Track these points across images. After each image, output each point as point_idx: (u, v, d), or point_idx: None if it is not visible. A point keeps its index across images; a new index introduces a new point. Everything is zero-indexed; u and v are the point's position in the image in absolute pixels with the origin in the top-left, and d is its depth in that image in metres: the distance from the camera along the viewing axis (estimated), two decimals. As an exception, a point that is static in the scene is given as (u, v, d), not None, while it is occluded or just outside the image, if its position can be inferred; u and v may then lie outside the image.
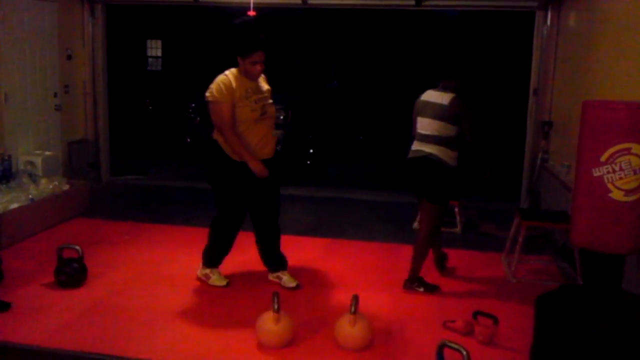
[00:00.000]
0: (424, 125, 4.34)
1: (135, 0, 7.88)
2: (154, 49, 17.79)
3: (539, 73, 6.66)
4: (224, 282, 4.48)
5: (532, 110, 6.78)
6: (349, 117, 10.17)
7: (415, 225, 6.12)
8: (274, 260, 4.57)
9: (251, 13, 4.20)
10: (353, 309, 3.57)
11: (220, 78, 4.13)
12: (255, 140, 4.17)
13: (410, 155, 4.42)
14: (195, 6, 7.53)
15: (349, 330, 3.57)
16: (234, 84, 4.09)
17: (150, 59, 17.88)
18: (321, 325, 3.86)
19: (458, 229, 6.01)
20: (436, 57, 7.46)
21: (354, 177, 8.96)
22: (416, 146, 4.40)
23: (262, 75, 4.30)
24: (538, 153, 6.54)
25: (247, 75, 4.15)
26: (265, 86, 4.30)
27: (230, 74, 4.15)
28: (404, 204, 6.83)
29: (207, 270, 4.53)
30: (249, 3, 4.17)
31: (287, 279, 4.50)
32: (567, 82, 6.25)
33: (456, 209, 6.04)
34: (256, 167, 4.11)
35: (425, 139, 4.33)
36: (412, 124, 4.52)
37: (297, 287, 4.43)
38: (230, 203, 4.36)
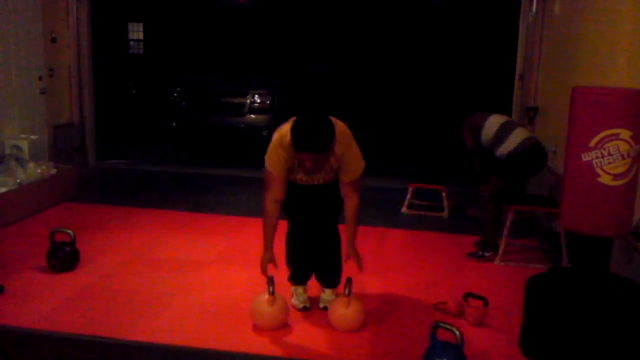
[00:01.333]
0: None
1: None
2: (136, 32, 17.63)
3: (524, 59, 6.72)
4: (300, 305, 3.91)
5: (517, 96, 6.86)
6: (336, 101, 10.18)
7: (404, 209, 6.20)
8: (323, 274, 4.03)
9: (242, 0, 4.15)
10: (347, 291, 3.63)
11: (275, 140, 3.49)
12: (295, 198, 3.68)
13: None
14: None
15: (343, 312, 3.63)
16: (285, 155, 3.47)
17: (132, 42, 17.71)
18: (315, 308, 3.91)
19: (445, 213, 6.09)
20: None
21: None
22: None
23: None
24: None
25: None
26: (329, 163, 3.52)
27: (285, 139, 3.43)
28: (392, 189, 6.91)
29: (292, 288, 4.03)
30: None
31: (324, 296, 3.98)
32: (552, 67, 6.34)
33: (443, 194, 6.12)
34: (261, 261, 3.61)
35: None
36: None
37: (325, 309, 3.87)
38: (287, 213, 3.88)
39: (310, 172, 3.54)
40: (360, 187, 3.66)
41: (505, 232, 4.81)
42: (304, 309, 3.90)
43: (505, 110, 7.20)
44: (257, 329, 3.63)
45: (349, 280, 3.67)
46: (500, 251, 4.81)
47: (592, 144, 3.07)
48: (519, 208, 4.89)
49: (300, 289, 3.97)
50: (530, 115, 6.64)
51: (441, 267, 4.76)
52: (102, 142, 8.37)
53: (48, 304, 3.87)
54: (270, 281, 3.63)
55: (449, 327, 3.11)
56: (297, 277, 3.97)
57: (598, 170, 3.08)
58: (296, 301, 3.93)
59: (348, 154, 3.51)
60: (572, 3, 5.87)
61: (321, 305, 3.92)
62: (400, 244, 5.30)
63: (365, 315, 3.71)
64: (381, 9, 13.91)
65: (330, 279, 3.96)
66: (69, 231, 4.42)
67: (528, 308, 3.41)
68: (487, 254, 4.84)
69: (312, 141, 3.29)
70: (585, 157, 3.10)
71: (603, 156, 3.06)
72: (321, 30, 13.43)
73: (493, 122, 4.96)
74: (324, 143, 3.31)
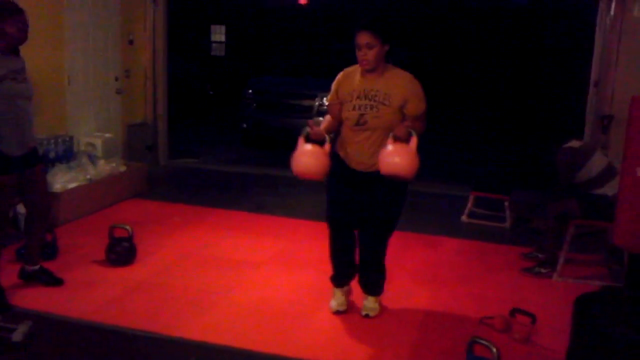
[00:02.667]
0: None
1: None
2: (218, 34, 18.13)
3: (600, 64, 6.41)
4: (334, 308, 3.91)
5: (591, 103, 6.55)
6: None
7: (464, 218, 6.06)
8: (363, 280, 3.95)
9: (302, 1, 4.17)
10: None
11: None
12: (349, 148, 3.63)
13: None
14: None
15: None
16: (341, 81, 3.63)
17: (213, 44, 18.23)
18: (355, 315, 3.89)
19: (507, 224, 5.90)
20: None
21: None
22: None
23: (397, 73, 3.53)
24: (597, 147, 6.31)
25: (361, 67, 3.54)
26: (388, 97, 3.48)
27: (349, 69, 3.65)
28: (452, 196, 6.77)
29: (333, 289, 4.01)
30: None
31: (367, 304, 3.91)
32: (631, 74, 6.02)
33: (506, 204, 5.92)
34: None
35: None
36: None
37: (367, 316, 3.86)
38: (327, 211, 3.88)
39: (366, 96, 3.48)
40: (422, 128, 3.57)
41: (565, 246, 4.60)
42: (337, 312, 3.87)
43: (579, 117, 6.92)
44: (306, 331, 3.66)
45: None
46: (559, 267, 4.61)
47: (648, 158, 2.89)
48: (580, 222, 4.66)
49: (339, 292, 3.94)
50: (604, 123, 6.32)
51: (496, 280, 4.62)
52: (176, 141, 8.67)
53: (102, 296, 4.04)
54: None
55: (486, 342, 3.01)
56: (337, 279, 3.94)
57: (654, 186, 2.90)
58: (333, 303, 3.93)
59: (410, 90, 3.51)
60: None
61: (363, 313, 3.88)
62: (456, 254, 5.18)
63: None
64: (453, 10, 13.65)
65: (371, 285, 3.90)
66: (127, 227, 4.60)
67: (575, 328, 3.25)
68: (543, 271, 4.64)
69: (366, 17, 3.46)
70: (640, 172, 2.93)
71: (660, 171, 2.87)
72: (393, 32, 13.33)
73: (598, 163, 4.70)
74: (375, 21, 3.44)
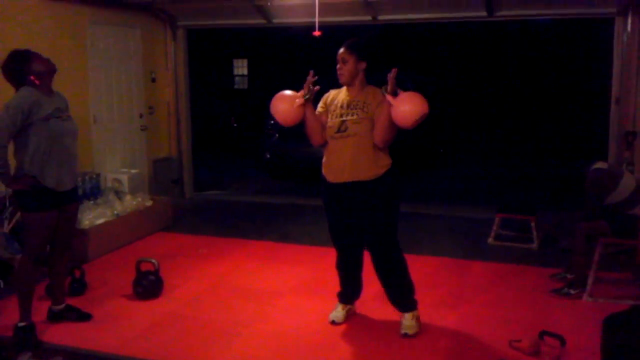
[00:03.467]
0: None
1: (212, 25, 8.18)
2: (240, 67, 18.44)
3: (620, 81, 6.37)
4: (330, 319, 4.12)
5: (614, 120, 6.49)
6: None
7: (491, 240, 6.01)
8: (390, 298, 4.05)
9: (316, 33, 4.27)
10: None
11: None
12: (331, 157, 3.84)
13: None
14: (272, 27, 7.73)
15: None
16: (331, 95, 3.96)
17: (237, 78, 18.53)
18: (379, 342, 3.87)
19: (535, 245, 5.83)
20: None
21: (430, 190, 8.87)
22: None
23: (370, 89, 3.84)
24: (622, 164, 6.24)
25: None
26: (367, 106, 3.78)
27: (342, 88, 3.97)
28: (478, 219, 6.72)
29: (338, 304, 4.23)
30: (315, 23, 4.24)
31: (404, 322, 3.96)
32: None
33: (532, 224, 5.86)
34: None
35: None
36: None
37: (406, 335, 3.91)
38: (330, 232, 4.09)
39: (349, 106, 3.76)
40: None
41: (593, 266, 4.52)
42: (332, 322, 4.09)
43: (603, 135, 6.86)
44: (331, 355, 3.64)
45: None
46: (589, 287, 4.53)
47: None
48: (609, 241, 4.59)
49: (340, 306, 4.17)
50: (629, 140, 6.25)
51: (524, 302, 4.55)
52: (202, 174, 8.78)
53: (130, 330, 4.08)
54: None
55: (513, 366, 2.97)
56: (342, 295, 4.18)
57: (677, 201, 2.85)
58: (331, 314, 4.14)
59: (380, 109, 3.73)
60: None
61: (402, 332, 3.91)
62: (483, 277, 5.12)
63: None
64: (472, 31, 13.66)
65: (400, 300, 3.99)
66: (154, 260, 4.66)
67: (605, 349, 3.19)
68: (572, 292, 4.56)
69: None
70: (663, 187, 2.88)
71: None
72: (410, 55, 13.38)
73: (627, 185, 4.64)
74: (352, 41, 3.83)
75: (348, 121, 3.76)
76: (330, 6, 6.36)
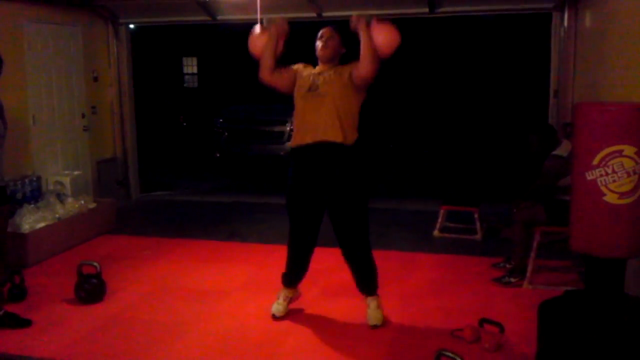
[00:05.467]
0: None
1: (155, 22, 8.06)
2: (190, 65, 18.20)
3: (558, 74, 6.54)
4: (272, 312, 4.13)
5: (553, 113, 6.67)
6: (369, 122, 10.20)
7: (436, 233, 6.10)
8: (357, 282, 4.11)
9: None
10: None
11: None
12: (300, 118, 3.86)
13: None
14: (216, 24, 7.66)
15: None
16: (300, 67, 4.01)
17: (186, 76, 18.29)
18: (322, 336, 3.89)
19: (479, 236, 5.95)
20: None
21: (377, 184, 8.94)
22: None
23: (343, 66, 3.89)
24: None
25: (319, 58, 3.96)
26: (340, 71, 3.85)
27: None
28: (424, 212, 6.82)
29: (279, 291, 4.23)
30: (259, 20, 4.21)
31: (370, 313, 4.02)
32: (588, 82, 6.13)
33: (476, 216, 5.98)
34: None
35: None
36: None
37: (375, 327, 3.96)
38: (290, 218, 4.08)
39: (320, 72, 3.86)
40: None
41: (532, 254, 4.65)
42: (273, 316, 4.09)
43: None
44: (270, 358, 3.63)
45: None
46: (528, 274, 4.65)
47: (595, 162, 2.95)
48: (545, 229, 4.72)
49: (283, 294, 4.16)
50: (567, 131, 6.41)
51: (468, 292, 4.64)
52: (149, 174, 8.64)
53: (72, 335, 3.99)
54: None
55: (451, 355, 3.02)
56: (286, 277, 4.16)
57: (603, 189, 2.95)
58: (274, 306, 4.14)
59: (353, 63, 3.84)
60: (602, 14, 5.68)
61: (370, 324, 3.96)
62: (429, 269, 5.20)
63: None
64: (416, 27, 13.78)
65: (367, 282, 4.04)
66: (95, 263, 4.56)
67: (542, 333, 3.28)
68: (512, 280, 4.68)
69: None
70: (590, 176, 2.98)
71: (607, 174, 2.93)
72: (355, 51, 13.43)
73: None
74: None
75: (319, 81, 3.81)
76: (274, 2, 6.34)
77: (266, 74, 3.93)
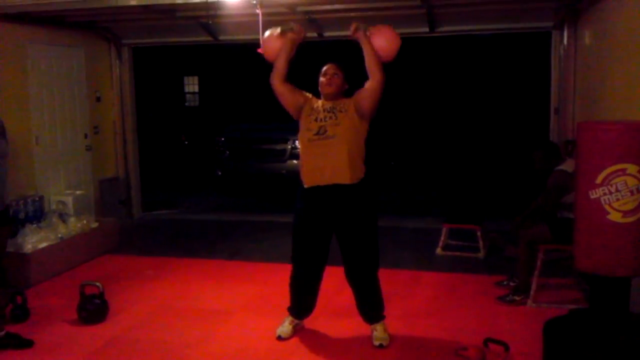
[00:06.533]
0: None
1: (158, 43, 8.12)
2: (191, 85, 18.30)
3: (559, 92, 6.57)
4: (277, 334, 4.12)
5: (554, 130, 6.69)
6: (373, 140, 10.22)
7: (439, 251, 6.09)
8: (361, 311, 4.13)
9: (261, 50, 4.27)
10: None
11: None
12: (308, 162, 3.89)
13: None
14: (220, 44, 7.72)
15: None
16: (309, 97, 4.01)
17: (188, 95, 18.37)
18: (339, 355, 3.86)
19: (482, 254, 5.93)
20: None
21: (380, 202, 8.94)
22: None
23: (346, 100, 3.94)
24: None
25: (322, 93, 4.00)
26: (345, 107, 3.88)
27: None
28: (426, 230, 6.81)
29: (285, 316, 4.23)
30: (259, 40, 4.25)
31: (375, 334, 4.03)
32: (589, 99, 6.15)
33: (478, 233, 5.97)
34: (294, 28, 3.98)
35: None
36: None
37: (380, 347, 3.96)
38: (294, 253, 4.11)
39: (327, 111, 3.86)
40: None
41: (536, 272, 4.64)
42: (279, 337, 4.08)
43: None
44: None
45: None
46: (532, 293, 4.63)
47: (598, 180, 2.96)
48: (548, 247, 4.71)
49: (288, 320, 4.15)
50: (569, 148, 6.43)
51: (472, 311, 4.62)
52: (151, 193, 8.64)
53: (74, 356, 3.98)
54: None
55: (457, 375, 3.01)
56: (296, 311, 4.17)
57: (606, 207, 2.95)
58: (280, 328, 4.13)
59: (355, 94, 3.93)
60: (602, 33, 5.72)
61: (376, 344, 3.97)
62: (432, 287, 5.18)
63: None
64: (417, 47, 13.85)
65: (374, 313, 4.05)
66: (98, 284, 4.55)
67: (547, 352, 3.26)
68: (517, 298, 4.66)
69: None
70: (593, 195, 2.99)
71: (610, 193, 2.94)
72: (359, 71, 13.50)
73: None
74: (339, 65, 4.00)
75: (327, 124, 3.83)
76: (274, 23, 6.37)
77: (277, 80, 3.93)
